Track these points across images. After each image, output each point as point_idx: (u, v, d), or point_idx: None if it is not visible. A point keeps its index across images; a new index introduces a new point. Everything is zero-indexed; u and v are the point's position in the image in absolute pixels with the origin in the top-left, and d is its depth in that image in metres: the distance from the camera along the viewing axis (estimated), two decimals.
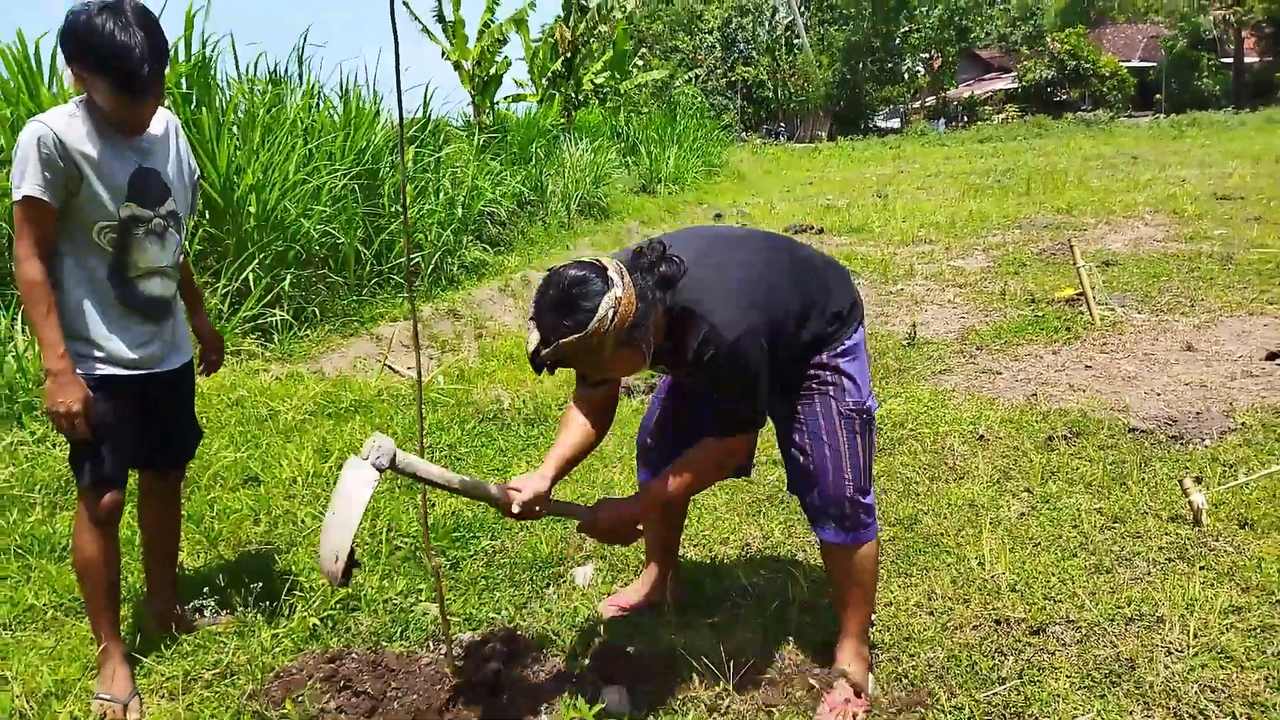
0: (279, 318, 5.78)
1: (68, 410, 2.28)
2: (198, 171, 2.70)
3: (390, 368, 5.48)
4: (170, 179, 2.48)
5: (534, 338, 1.93)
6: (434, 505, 3.50)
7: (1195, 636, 2.45)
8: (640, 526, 2.32)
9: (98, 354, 2.39)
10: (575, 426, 2.31)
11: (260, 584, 2.86)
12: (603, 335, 1.89)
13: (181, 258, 2.58)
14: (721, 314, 2.05)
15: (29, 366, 4.34)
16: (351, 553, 2.01)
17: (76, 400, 2.29)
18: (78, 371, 2.33)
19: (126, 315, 2.43)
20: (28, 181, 2.23)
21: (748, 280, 2.14)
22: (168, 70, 2.55)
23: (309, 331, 6.02)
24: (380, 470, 2.00)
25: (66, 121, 2.26)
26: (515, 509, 2.15)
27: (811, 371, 2.28)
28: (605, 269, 1.95)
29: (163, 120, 2.51)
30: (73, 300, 2.36)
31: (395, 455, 2.02)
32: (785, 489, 3.49)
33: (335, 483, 2.09)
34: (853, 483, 2.25)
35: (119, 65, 2.17)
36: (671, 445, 2.45)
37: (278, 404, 4.62)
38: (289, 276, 6.07)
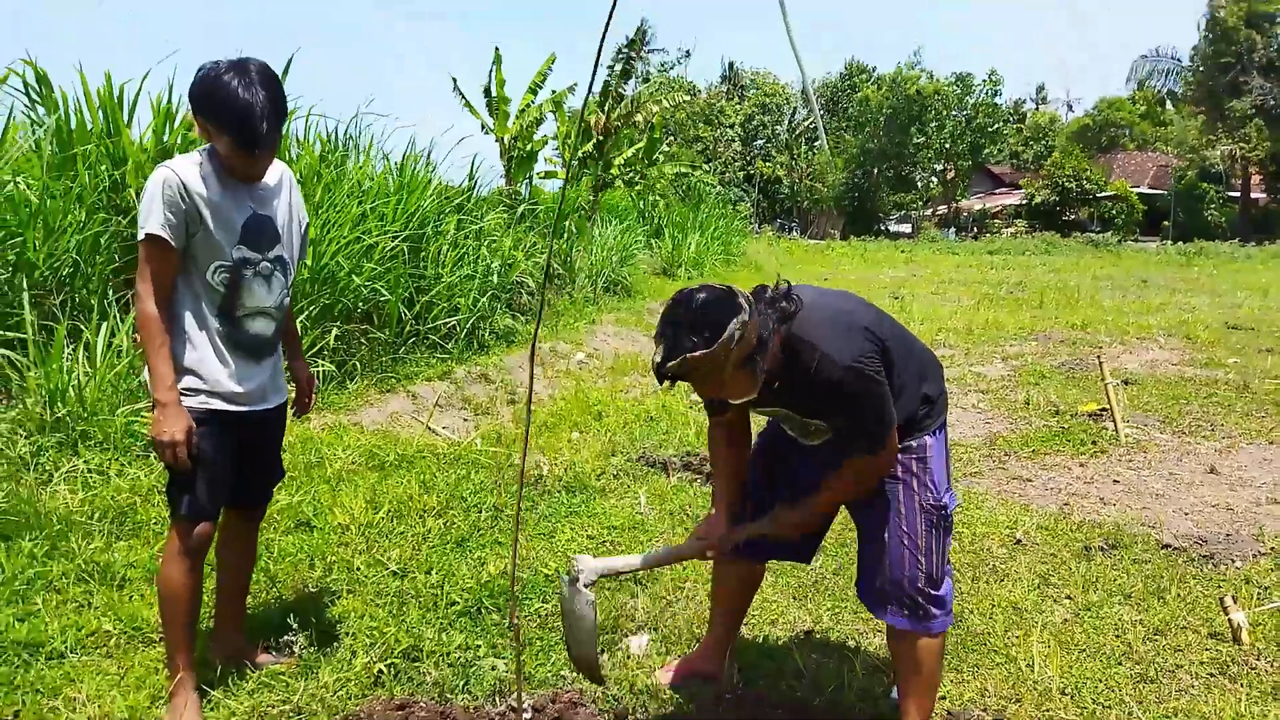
0: (323, 368, 5.90)
1: (172, 440, 2.38)
2: (306, 221, 2.85)
3: (431, 429, 5.57)
4: (280, 226, 2.63)
5: (660, 351, 2.05)
6: (484, 564, 3.57)
7: None
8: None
9: (205, 388, 2.50)
10: (725, 461, 2.56)
11: (320, 627, 2.92)
12: (728, 354, 1.99)
13: (285, 301, 2.70)
14: (833, 345, 2.16)
15: (88, 396, 4.43)
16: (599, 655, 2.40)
17: (180, 430, 2.39)
18: (187, 404, 2.44)
19: (233, 352, 2.54)
20: (152, 221, 2.37)
21: (860, 324, 2.24)
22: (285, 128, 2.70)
23: (349, 384, 6.12)
24: (592, 585, 2.34)
25: (191, 168, 2.43)
26: (725, 551, 2.47)
27: (899, 456, 2.36)
28: (735, 293, 2.06)
29: (278, 171, 2.67)
30: (185, 336, 2.48)
31: (599, 570, 2.37)
32: (833, 574, 3.58)
33: (560, 602, 2.47)
34: (924, 572, 2.33)
35: (241, 122, 2.34)
36: (760, 491, 2.58)
37: (325, 452, 4.70)
38: (335, 329, 6.20)
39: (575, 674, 2.83)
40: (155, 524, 3.69)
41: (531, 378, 2.22)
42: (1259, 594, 3.58)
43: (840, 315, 2.25)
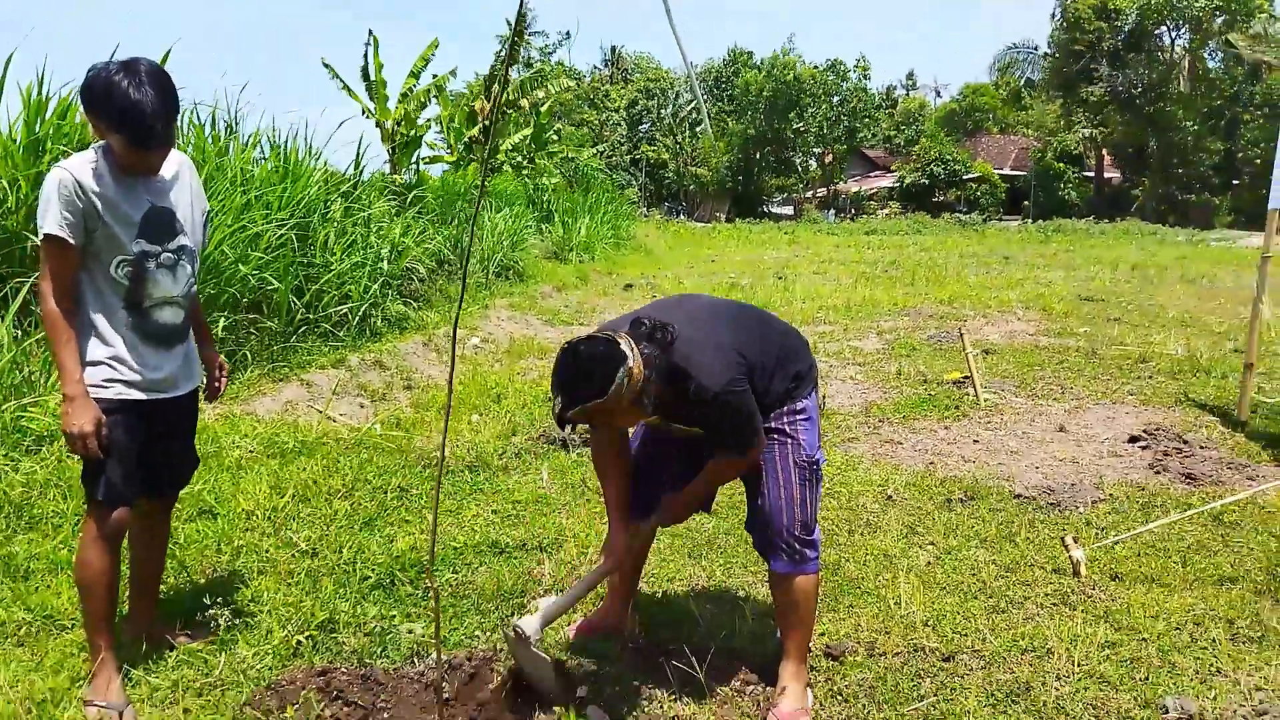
0: None
1: (81, 432, 2.45)
2: (207, 208, 2.92)
3: (329, 417, 5.60)
4: (182, 216, 2.69)
5: (559, 401, 2.33)
6: (393, 541, 3.70)
7: (1079, 665, 2.89)
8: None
9: (118, 378, 2.56)
10: (612, 474, 2.76)
11: (235, 607, 3.01)
12: (619, 399, 2.28)
13: (193, 289, 2.77)
14: (705, 371, 2.43)
15: None
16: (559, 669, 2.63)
17: (89, 422, 2.45)
18: (100, 396, 2.50)
19: (143, 342, 2.61)
20: (49, 220, 2.43)
21: (725, 343, 2.53)
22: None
23: (239, 374, 6.08)
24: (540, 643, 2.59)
25: (85, 166, 2.47)
26: (623, 561, 2.74)
27: (773, 423, 2.66)
28: (617, 342, 2.32)
29: (175, 162, 2.72)
30: (93, 329, 2.54)
31: (538, 625, 2.56)
32: (724, 534, 3.86)
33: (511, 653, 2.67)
34: (800, 521, 2.63)
35: (132, 120, 2.39)
36: (647, 486, 2.82)
37: (222, 441, 4.71)
38: (223, 319, 6.14)
39: (487, 635, 3.02)
40: (54, 517, 3.68)
41: (454, 356, 2.40)
42: (1097, 534, 4.04)
43: (710, 339, 2.52)
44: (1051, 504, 4.44)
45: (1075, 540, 3.72)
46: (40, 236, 2.44)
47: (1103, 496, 4.53)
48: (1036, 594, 3.43)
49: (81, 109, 2.49)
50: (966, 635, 3.09)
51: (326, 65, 13.65)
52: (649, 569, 3.56)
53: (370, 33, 12.93)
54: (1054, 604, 3.35)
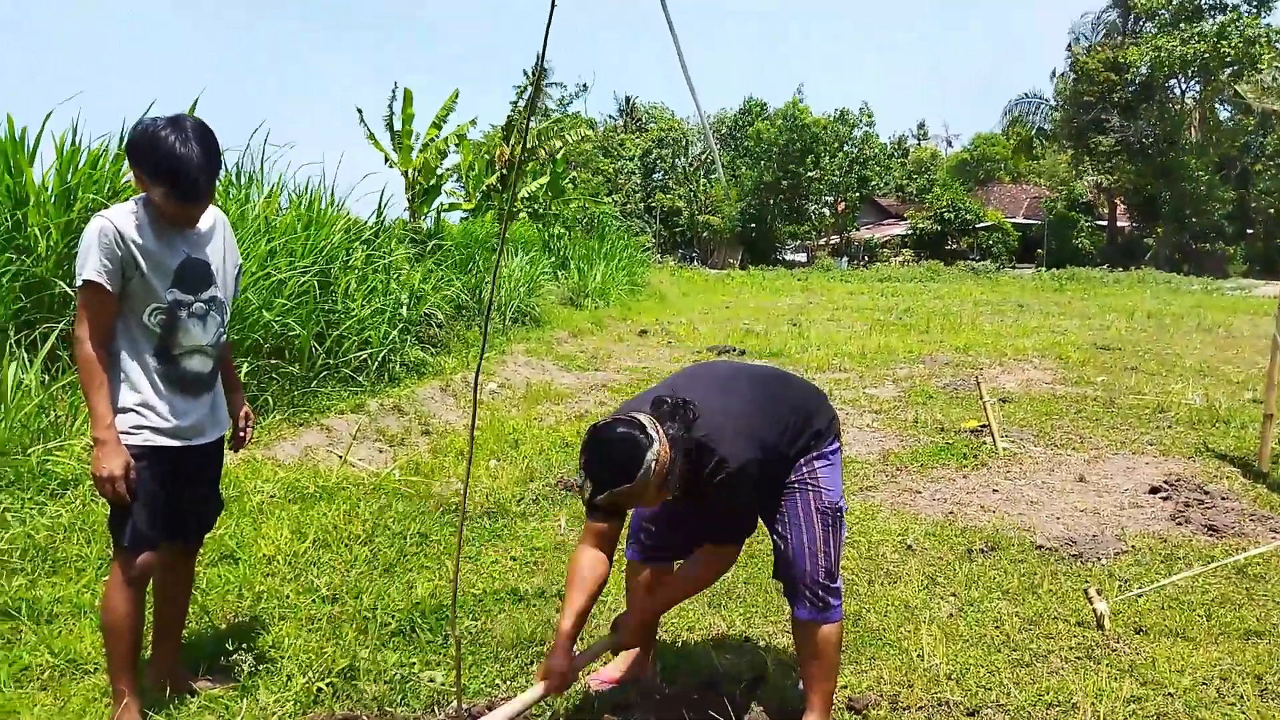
0: None
1: (110, 475, 2.49)
2: (240, 262, 2.99)
3: (348, 462, 5.64)
4: (214, 268, 2.76)
5: (588, 487, 2.37)
6: (413, 587, 3.71)
7: None
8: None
9: (146, 424, 2.60)
10: (582, 580, 2.59)
11: (256, 653, 3.02)
12: (647, 484, 2.33)
13: (222, 339, 2.82)
14: (727, 449, 2.48)
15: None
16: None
17: (119, 467, 2.50)
18: (128, 442, 2.54)
19: (171, 389, 2.66)
20: (89, 267, 2.50)
21: (746, 415, 2.60)
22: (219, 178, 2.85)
23: (261, 419, 6.13)
24: None
25: (126, 217, 2.56)
26: (562, 688, 2.58)
27: (795, 474, 2.69)
28: (645, 425, 2.37)
29: (211, 216, 2.81)
30: (124, 376, 2.59)
31: None
32: (744, 584, 3.85)
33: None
34: (824, 568, 2.64)
35: (178, 175, 2.49)
36: (665, 531, 2.86)
37: (244, 486, 4.74)
38: (245, 365, 6.21)
39: (507, 684, 3.01)
40: (78, 560, 3.70)
41: (475, 402, 2.44)
42: (1120, 586, 4.00)
43: (730, 414, 2.56)
44: (1073, 555, 4.40)
45: (1099, 592, 3.70)
46: (79, 282, 2.50)
47: (1125, 548, 4.50)
48: (1060, 647, 3.40)
49: (126, 162, 2.58)
50: (990, 689, 3.06)
51: (359, 111, 13.96)
52: (668, 617, 3.55)
53: (406, 90, 13.27)
54: (1078, 657, 3.32)
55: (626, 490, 2.32)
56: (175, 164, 2.46)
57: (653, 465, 2.31)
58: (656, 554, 2.95)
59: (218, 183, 2.68)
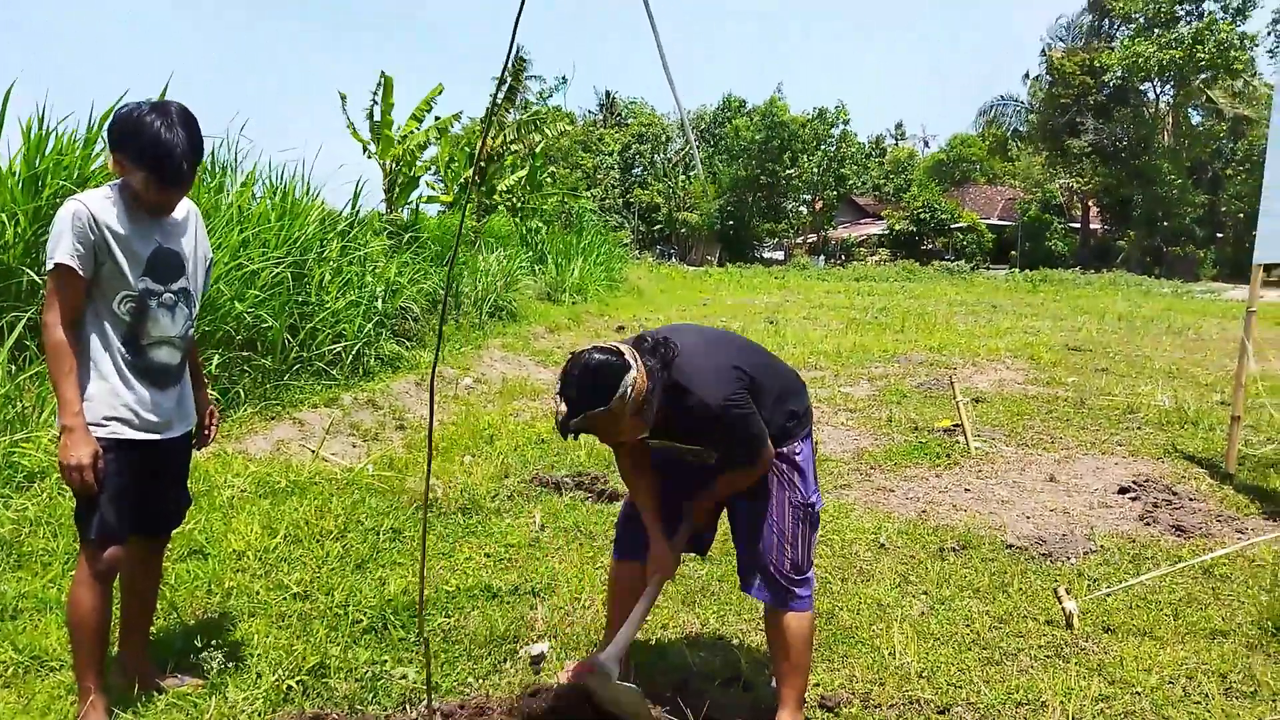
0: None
1: (78, 464, 2.45)
2: (211, 257, 2.95)
3: (321, 456, 5.58)
4: (186, 259, 2.73)
5: (562, 408, 2.35)
6: (385, 584, 3.68)
7: (1073, 719, 2.88)
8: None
9: (114, 416, 2.56)
10: (643, 487, 2.79)
11: (225, 650, 2.99)
12: (623, 408, 2.32)
13: (190, 332, 2.78)
14: (707, 388, 2.49)
15: None
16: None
17: (87, 455, 2.46)
18: (97, 434, 2.50)
19: (139, 379, 2.62)
20: (61, 250, 2.46)
21: (724, 363, 2.59)
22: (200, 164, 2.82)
23: (232, 412, 6.06)
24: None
25: (101, 202, 2.52)
26: (671, 572, 2.79)
27: (774, 462, 2.68)
28: (622, 353, 2.38)
29: (185, 208, 2.77)
30: (92, 365, 2.55)
31: (616, 657, 2.65)
32: (718, 580, 3.85)
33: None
34: (790, 559, 2.67)
35: (162, 158, 2.47)
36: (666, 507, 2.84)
37: (213, 480, 4.69)
38: (216, 357, 6.14)
39: (480, 681, 3.00)
40: (44, 554, 3.64)
41: (433, 400, 2.40)
42: (1089, 585, 4.05)
43: (712, 357, 2.59)
44: (1043, 554, 4.45)
45: (1068, 592, 3.73)
46: (50, 266, 2.46)
47: (1094, 547, 4.55)
48: (1030, 646, 3.43)
49: (101, 146, 2.54)
50: (961, 687, 3.09)
51: (342, 96, 13.74)
52: None
53: (387, 76, 13.02)
54: (1047, 656, 3.35)
55: (602, 413, 2.31)
56: (160, 148, 2.44)
57: (628, 391, 2.31)
58: (639, 550, 2.90)
59: (197, 171, 2.65)
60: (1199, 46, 35.38)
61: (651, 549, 2.76)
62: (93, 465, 2.46)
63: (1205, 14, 36.84)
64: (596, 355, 2.37)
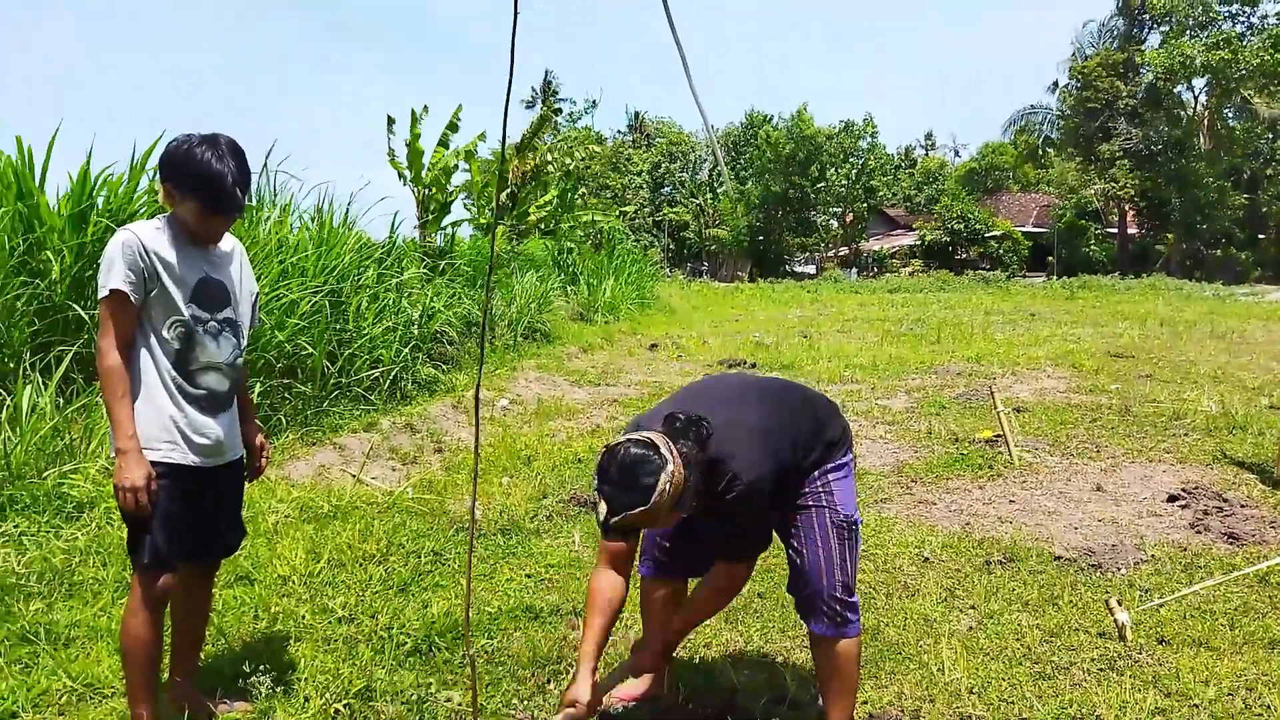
0: None
1: (132, 486, 2.49)
2: (256, 291, 3.00)
3: (362, 481, 5.64)
4: (231, 291, 2.78)
5: (603, 509, 2.34)
6: (428, 606, 3.70)
7: None
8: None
9: (164, 439, 2.61)
10: (601, 604, 2.65)
11: (272, 674, 3.01)
12: (661, 506, 2.31)
13: (239, 361, 2.83)
14: (742, 464, 2.48)
15: (14, 460, 4.40)
16: None
17: (140, 477, 2.50)
18: (151, 458, 2.55)
19: (189, 404, 2.66)
20: (114, 278, 2.53)
21: (761, 430, 2.59)
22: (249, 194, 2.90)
23: (274, 439, 6.15)
24: None
25: (151, 231, 2.61)
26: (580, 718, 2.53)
27: (809, 487, 2.68)
28: (658, 446, 2.35)
29: (231, 242, 2.85)
30: (144, 390, 2.61)
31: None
32: (759, 598, 3.83)
33: None
34: (841, 583, 2.62)
35: (213, 187, 2.56)
36: (679, 546, 2.85)
37: (258, 506, 4.75)
38: (258, 385, 6.23)
39: (524, 703, 3.00)
40: (94, 583, 3.71)
41: (478, 422, 2.42)
42: (1141, 596, 3.96)
43: (744, 426, 2.57)
44: (1092, 565, 4.36)
45: (1119, 603, 3.65)
46: (103, 293, 2.53)
47: (1145, 557, 4.45)
48: (1083, 659, 3.36)
49: (152, 179, 2.64)
50: (1013, 703, 3.03)
51: (390, 120, 14.00)
52: (686, 636, 3.52)
53: (424, 107, 13.35)
54: (1101, 669, 3.28)
55: (641, 513, 2.30)
56: (211, 178, 2.54)
57: (667, 488, 2.29)
58: (670, 569, 2.93)
59: (248, 197, 2.74)
60: (1246, 48, 34.64)
61: (575, 683, 2.59)
62: (146, 488, 2.50)
63: (1259, 15, 36.09)
64: (633, 450, 2.35)
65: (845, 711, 2.69)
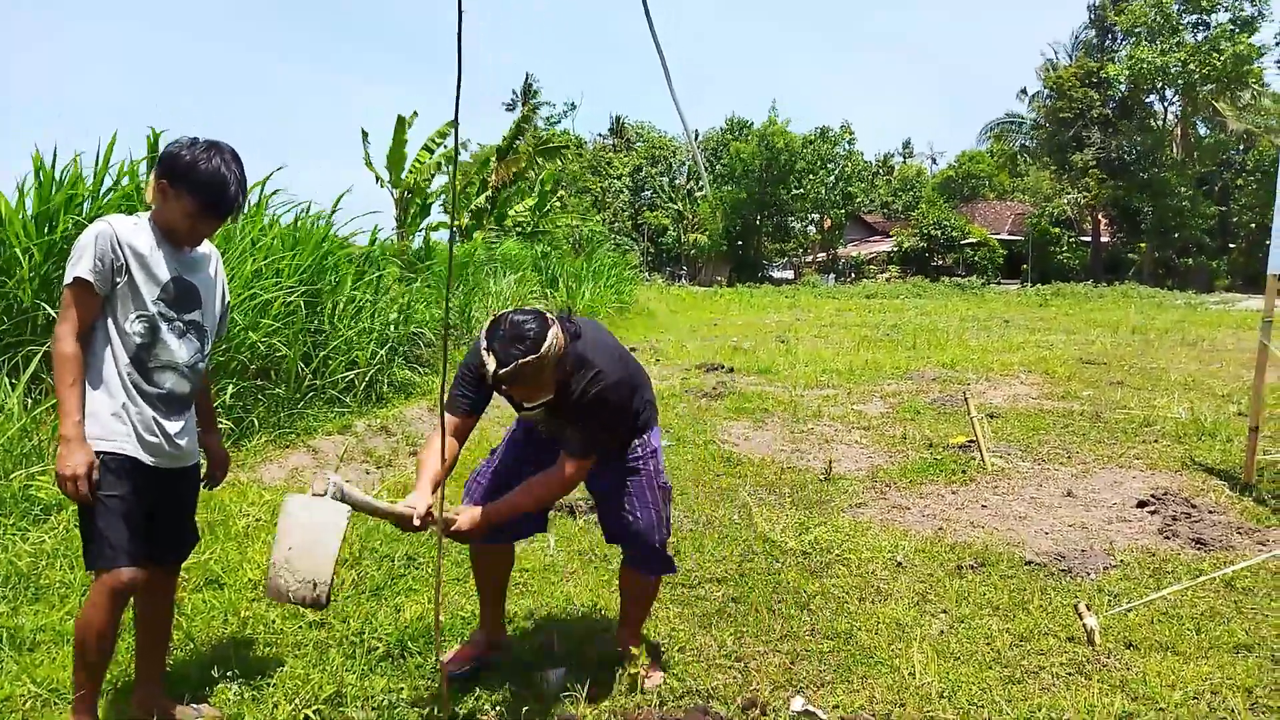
0: (220, 426, 5.84)
1: (73, 473, 2.46)
2: (228, 300, 2.98)
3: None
4: (203, 295, 2.76)
5: (491, 362, 2.51)
6: (400, 610, 3.67)
7: None
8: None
9: (120, 431, 2.57)
10: (435, 451, 2.80)
11: (241, 679, 2.98)
12: (546, 360, 2.53)
13: (200, 365, 2.79)
14: (605, 366, 2.80)
15: None
16: (331, 580, 2.45)
17: (82, 464, 2.47)
18: (105, 448, 2.52)
19: (145, 402, 2.63)
20: (81, 266, 2.52)
21: (620, 356, 2.95)
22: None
23: (246, 441, 6.09)
24: (341, 501, 2.54)
25: (127, 225, 2.62)
26: (416, 522, 2.71)
27: (634, 452, 3.05)
28: (543, 314, 2.61)
29: (208, 248, 2.83)
30: (102, 381, 2.58)
31: (344, 488, 2.58)
32: (733, 602, 3.82)
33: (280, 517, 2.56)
34: (665, 538, 3.13)
35: (215, 189, 2.60)
36: (498, 481, 3.14)
37: (229, 509, 4.70)
38: (230, 386, 6.17)
39: (496, 709, 2.98)
40: (60, 587, 3.65)
41: (443, 423, 2.43)
42: (1110, 601, 4.00)
43: (605, 342, 2.90)
44: (1063, 570, 4.40)
45: (1088, 608, 3.69)
46: (68, 279, 2.52)
47: (1114, 562, 4.50)
48: (1052, 663, 3.39)
49: (153, 177, 2.66)
50: (983, 707, 3.05)
51: (364, 133, 13.99)
52: (659, 637, 3.53)
53: (413, 113, 13.38)
54: (1070, 673, 3.31)
55: (531, 360, 2.49)
56: (215, 180, 2.59)
57: (553, 345, 2.54)
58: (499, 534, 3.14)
59: (242, 206, 2.76)
60: (1214, 55, 35.23)
61: (419, 489, 2.79)
62: (88, 475, 2.47)
63: (1214, 25, 36.80)
64: (521, 314, 2.60)
65: (638, 631, 3.29)
